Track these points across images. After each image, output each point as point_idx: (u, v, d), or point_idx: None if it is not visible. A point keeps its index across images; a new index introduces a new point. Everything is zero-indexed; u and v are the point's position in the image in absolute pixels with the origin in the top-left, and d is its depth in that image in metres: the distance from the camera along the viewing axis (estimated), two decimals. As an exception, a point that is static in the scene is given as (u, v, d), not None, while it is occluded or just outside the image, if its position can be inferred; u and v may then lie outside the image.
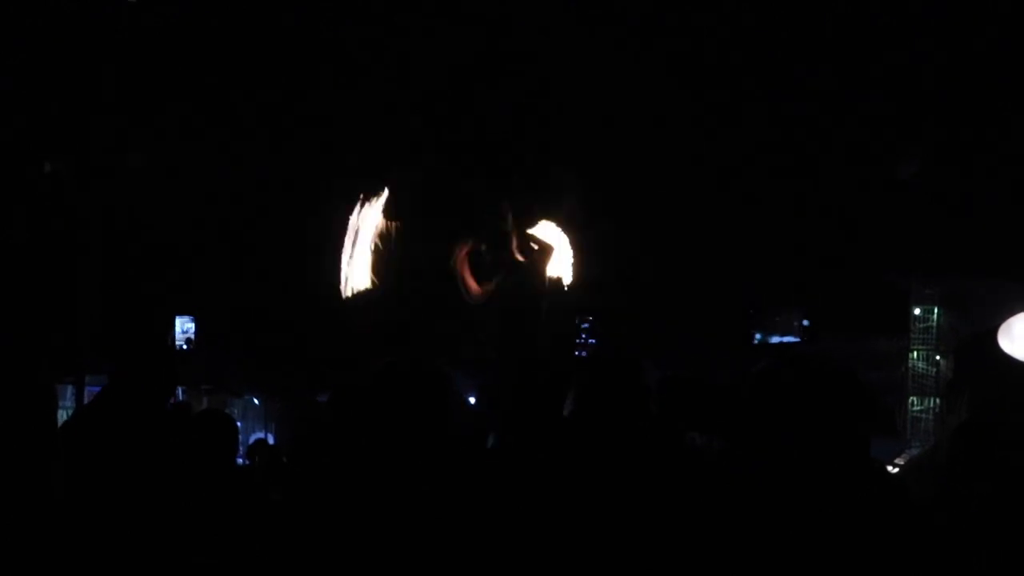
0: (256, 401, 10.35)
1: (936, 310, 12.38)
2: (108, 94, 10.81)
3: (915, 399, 11.87)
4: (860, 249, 12.40)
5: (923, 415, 11.65)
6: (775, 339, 12.84)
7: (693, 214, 12.76)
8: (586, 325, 12.51)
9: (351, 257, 7.58)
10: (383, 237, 8.01)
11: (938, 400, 11.12)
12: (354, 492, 3.09)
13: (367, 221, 7.92)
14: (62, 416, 3.54)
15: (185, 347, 13.98)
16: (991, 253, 11.39)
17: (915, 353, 12.27)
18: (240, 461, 4.67)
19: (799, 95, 12.29)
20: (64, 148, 10.52)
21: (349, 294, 7.58)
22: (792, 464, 2.97)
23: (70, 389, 9.69)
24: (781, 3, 11.49)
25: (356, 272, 7.52)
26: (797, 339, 12.76)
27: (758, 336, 12.81)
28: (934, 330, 12.30)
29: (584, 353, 11.43)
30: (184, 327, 14.26)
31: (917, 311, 12.42)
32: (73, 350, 10.00)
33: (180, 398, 9.49)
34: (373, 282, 7.51)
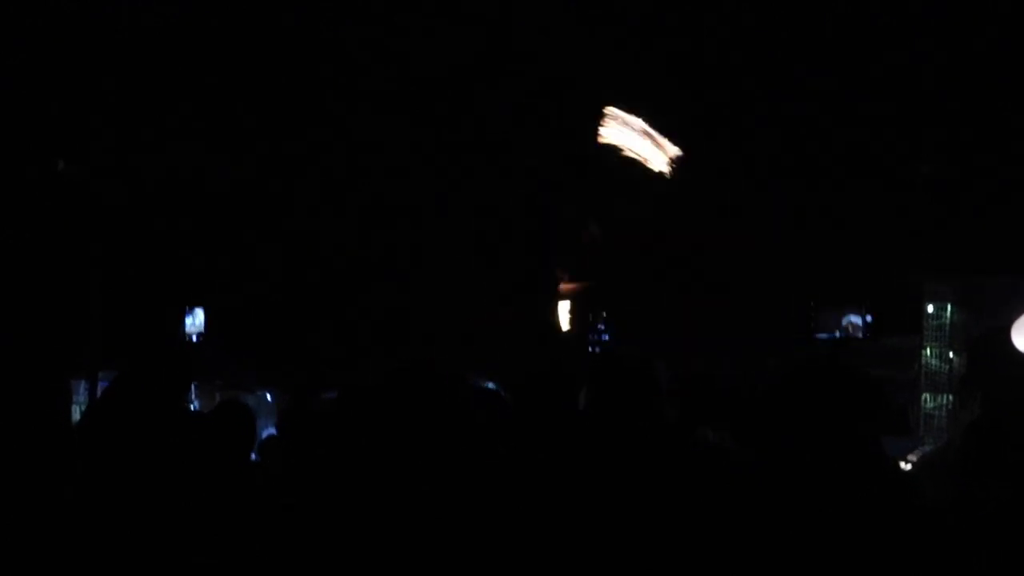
0: (269, 397, 10.37)
1: (949, 307, 12.40)
2: (115, 89, 10.87)
3: (928, 396, 11.89)
4: (872, 247, 12.44)
5: (936, 412, 11.67)
6: (823, 336, 12.86)
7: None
8: (601, 325, 12.55)
9: None
10: None
11: (951, 397, 11.14)
12: (361, 490, 3.12)
13: None
14: (75, 412, 3.60)
15: (195, 340, 13.86)
16: (1005, 250, 11.43)
17: (928, 350, 12.28)
18: (253, 457, 4.72)
19: (799, 94, 12.33)
20: (72, 144, 10.59)
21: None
22: (802, 461, 3.03)
23: (83, 384, 9.70)
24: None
25: None
26: (861, 335, 12.77)
27: (822, 335, 12.83)
28: (947, 327, 12.31)
29: (597, 349, 11.49)
30: (195, 320, 14.14)
31: (930, 308, 12.43)
32: (84, 345, 10.03)
33: (194, 396, 9.54)
34: None
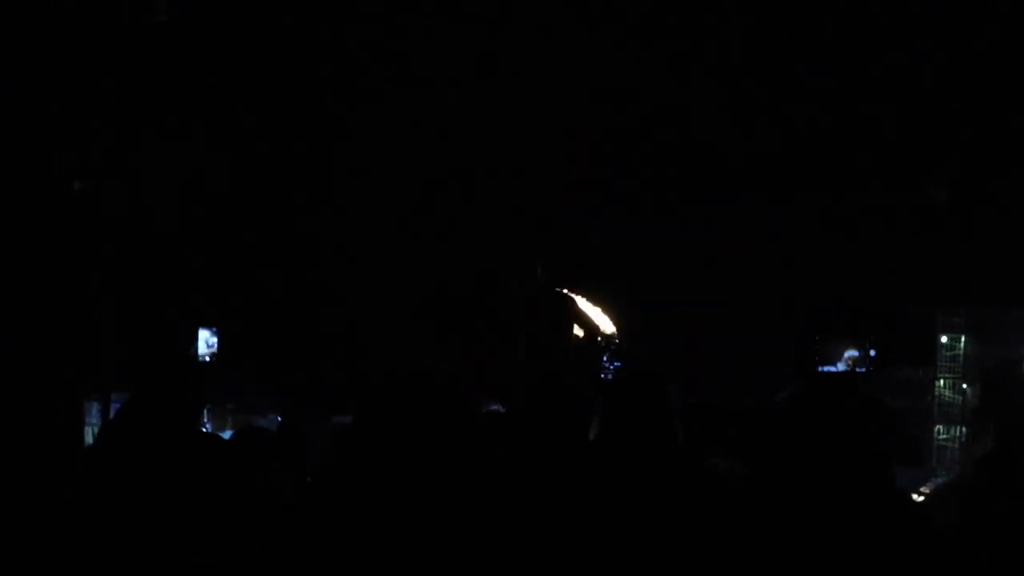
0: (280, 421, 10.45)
1: (963, 338, 12.53)
2: (125, 101, 10.93)
3: (941, 428, 12.04)
4: (882, 276, 12.52)
5: (949, 444, 11.82)
6: (829, 368, 12.95)
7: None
8: (612, 348, 12.63)
9: None
10: None
11: (964, 429, 11.28)
12: (360, 490, 3.19)
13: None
14: (88, 434, 3.67)
15: (208, 361, 13.83)
16: (1019, 281, 11.54)
17: (941, 381, 12.42)
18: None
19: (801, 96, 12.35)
20: (85, 160, 10.67)
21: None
22: (815, 491, 3.15)
23: (95, 406, 9.75)
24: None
25: None
26: (864, 369, 12.86)
27: (827, 368, 12.92)
28: (961, 358, 12.44)
29: (609, 376, 11.56)
30: (208, 341, 14.11)
31: (944, 339, 12.57)
32: (98, 366, 10.08)
33: (206, 419, 9.61)
34: None
